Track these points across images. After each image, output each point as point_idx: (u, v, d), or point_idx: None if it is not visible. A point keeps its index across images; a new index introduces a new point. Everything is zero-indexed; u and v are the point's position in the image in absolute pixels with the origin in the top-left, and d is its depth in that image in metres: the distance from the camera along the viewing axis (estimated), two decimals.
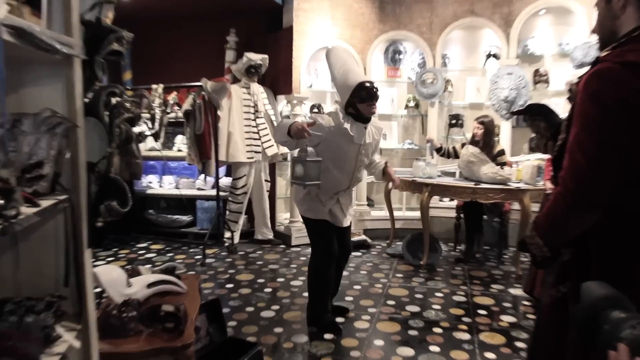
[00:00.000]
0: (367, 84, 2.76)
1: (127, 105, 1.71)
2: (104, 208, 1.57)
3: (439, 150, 4.65)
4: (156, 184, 5.61)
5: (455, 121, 5.53)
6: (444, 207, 5.38)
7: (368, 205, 5.59)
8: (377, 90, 2.78)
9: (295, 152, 2.68)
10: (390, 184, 2.95)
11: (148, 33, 5.18)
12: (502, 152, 4.42)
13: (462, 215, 4.82)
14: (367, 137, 2.85)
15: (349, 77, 2.78)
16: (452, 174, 4.79)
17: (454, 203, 5.02)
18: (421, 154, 5.40)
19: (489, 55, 5.41)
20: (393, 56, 5.72)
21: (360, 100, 2.76)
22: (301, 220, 3.09)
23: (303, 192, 2.88)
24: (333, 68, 2.86)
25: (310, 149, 2.59)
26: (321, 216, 2.90)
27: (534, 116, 2.52)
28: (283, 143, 2.64)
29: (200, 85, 4.66)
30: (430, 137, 4.75)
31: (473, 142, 4.49)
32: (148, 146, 5.37)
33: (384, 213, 5.34)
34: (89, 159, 1.46)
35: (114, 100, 1.64)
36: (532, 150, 3.28)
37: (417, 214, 4.64)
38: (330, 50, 2.93)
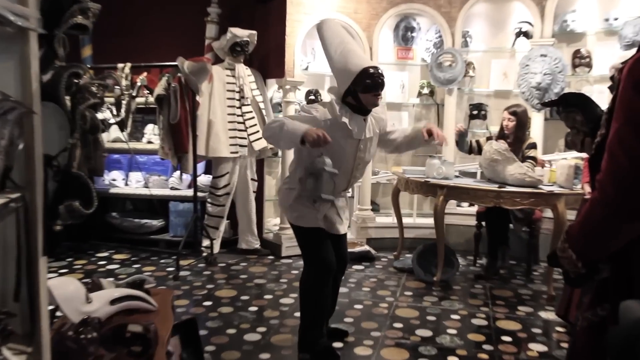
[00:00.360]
0: (372, 70, 2.77)
1: (93, 88, 1.74)
2: (64, 209, 1.59)
3: (460, 142, 4.60)
4: (121, 182, 5.61)
5: (477, 112, 5.56)
6: (462, 214, 5.42)
7: (372, 210, 5.63)
8: (384, 77, 2.81)
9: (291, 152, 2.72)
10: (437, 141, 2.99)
11: (112, 0, 5.16)
12: (532, 145, 4.44)
13: (483, 223, 4.85)
14: (367, 131, 2.88)
15: (351, 61, 2.79)
16: (473, 175, 4.86)
17: (474, 209, 5.05)
18: (435, 150, 5.42)
19: (519, 34, 5.46)
20: (404, 34, 5.75)
21: (363, 90, 2.77)
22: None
23: (293, 196, 2.90)
24: (328, 46, 2.86)
25: (327, 159, 2.67)
26: (315, 223, 2.92)
27: (569, 108, 2.54)
28: (277, 143, 2.68)
29: (176, 66, 4.66)
30: (461, 127, 4.62)
31: (501, 136, 4.53)
32: (112, 136, 5.36)
33: (391, 220, 5.37)
34: (47, 151, 1.47)
35: (77, 82, 1.65)
36: (569, 147, 3.29)
37: (430, 221, 4.65)
38: (324, 23, 2.92)
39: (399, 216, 5.13)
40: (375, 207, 5.77)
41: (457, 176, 4.70)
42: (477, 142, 4.68)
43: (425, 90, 5.69)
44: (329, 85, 5.57)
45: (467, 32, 5.63)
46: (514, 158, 4.22)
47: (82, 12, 1.61)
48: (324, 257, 2.91)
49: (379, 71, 2.80)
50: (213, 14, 5.49)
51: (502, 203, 4.15)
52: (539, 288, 4.46)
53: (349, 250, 5.12)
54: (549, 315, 3.86)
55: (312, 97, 5.47)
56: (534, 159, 4.38)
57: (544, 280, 4.53)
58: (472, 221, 5.00)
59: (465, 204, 5.41)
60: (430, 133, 2.98)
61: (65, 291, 1.91)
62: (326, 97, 5.47)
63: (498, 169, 4.28)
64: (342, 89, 2.83)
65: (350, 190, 3.09)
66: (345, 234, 3.14)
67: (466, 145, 4.61)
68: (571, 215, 4.04)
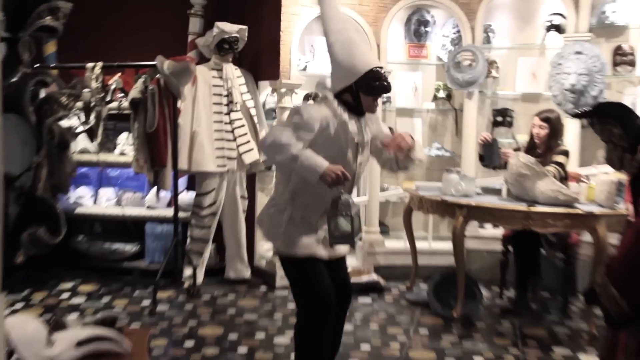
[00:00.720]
0: (380, 71, 2.84)
1: (63, 99, 1.77)
2: (27, 237, 1.57)
3: (487, 155, 4.55)
4: (89, 200, 5.59)
5: (502, 118, 5.57)
6: (486, 237, 5.38)
7: (381, 233, 5.61)
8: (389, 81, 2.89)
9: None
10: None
11: None
12: (562, 152, 4.46)
13: (510, 248, 4.82)
14: (365, 132, 2.93)
15: (358, 57, 2.84)
16: (497, 192, 4.86)
17: (500, 232, 5.03)
18: (454, 163, 5.37)
19: (549, 27, 5.45)
20: (417, 29, 5.75)
21: (367, 91, 2.83)
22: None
23: (285, 220, 2.87)
24: (329, 30, 2.90)
25: (350, 198, 2.76)
26: (313, 250, 2.87)
27: (605, 119, 2.54)
28: (284, 172, 2.76)
29: (154, 66, 4.68)
30: (487, 136, 4.56)
31: (531, 147, 4.55)
32: (79, 147, 5.33)
33: (403, 244, 5.34)
34: (8, 169, 1.44)
35: (44, 92, 1.66)
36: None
37: (449, 245, 4.63)
38: (322, 3, 2.95)
39: (411, 240, 5.10)
40: (384, 230, 5.75)
41: (478, 193, 4.69)
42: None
43: (442, 94, 5.69)
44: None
45: (490, 26, 5.62)
46: (545, 172, 4.21)
47: (51, 13, 1.65)
48: (324, 294, 2.85)
49: (385, 72, 2.87)
50: (197, 5, 5.50)
51: (532, 225, 4.14)
52: (578, 326, 4.42)
53: (354, 280, 5.07)
54: (589, 359, 3.83)
55: (311, 102, 5.41)
56: (561, 165, 4.38)
57: (583, 317, 4.49)
58: (498, 246, 4.98)
59: (488, 226, 5.37)
60: (387, 145, 2.94)
61: (23, 332, 1.93)
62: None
63: (527, 185, 4.27)
64: (339, 85, 2.86)
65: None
66: (344, 258, 3.11)
67: (497, 159, 4.51)
68: (614, 239, 3.98)
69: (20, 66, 1.45)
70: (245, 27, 5.13)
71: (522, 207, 4.17)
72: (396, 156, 2.97)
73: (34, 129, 1.48)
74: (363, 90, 2.82)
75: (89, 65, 4.80)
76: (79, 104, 4.70)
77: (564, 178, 4.41)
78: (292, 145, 2.64)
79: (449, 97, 5.72)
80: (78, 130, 4.78)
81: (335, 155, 2.78)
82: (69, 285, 5.08)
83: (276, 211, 2.93)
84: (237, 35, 5.10)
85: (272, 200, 3.04)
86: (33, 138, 1.51)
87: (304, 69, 5.45)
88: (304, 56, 5.51)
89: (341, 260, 3.08)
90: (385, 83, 2.84)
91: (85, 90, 4.70)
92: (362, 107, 2.86)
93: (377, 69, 2.83)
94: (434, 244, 5.58)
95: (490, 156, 4.54)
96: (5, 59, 1.33)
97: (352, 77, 2.81)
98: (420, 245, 5.27)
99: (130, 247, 5.45)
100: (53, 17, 1.44)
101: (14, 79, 1.41)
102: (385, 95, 5.19)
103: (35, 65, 4.27)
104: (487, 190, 5.03)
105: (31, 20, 1.46)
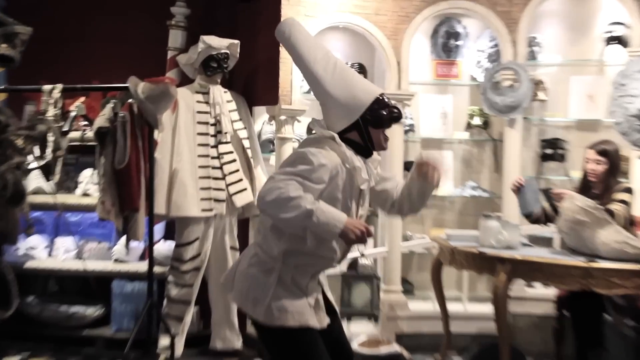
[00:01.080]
0: (384, 98, 2.90)
1: (19, 142, 1.81)
2: None
3: (521, 202, 4.57)
4: (43, 251, 5.56)
5: (552, 150, 5.55)
6: (535, 299, 5.33)
7: (404, 292, 5.56)
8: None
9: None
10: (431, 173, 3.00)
11: None
12: (626, 189, 4.43)
13: (566, 313, 4.77)
14: (371, 178, 2.98)
15: (358, 86, 2.91)
16: (548, 242, 4.75)
17: (553, 292, 4.95)
18: (493, 206, 5.37)
19: (609, 40, 5.44)
20: (446, 42, 5.75)
21: (377, 124, 2.88)
22: None
23: (271, 281, 2.83)
24: (311, 61, 2.92)
25: (366, 260, 2.84)
26: (306, 317, 2.84)
27: None
28: (295, 229, 2.70)
29: (126, 88, 4.65)
30: (518, 180, 4.57)
31: (584, 186, 4.54)
32: (32, 186, 5.31)
33: (431, 306, 5.30)
34: None
35: None
36: None
37: (488, 308, 4.58)
38: (292, 25, 2.97)
39: (442, 301, 5.00)
40: (408, 288, 5.71)
41: (525, 244, 4.62)
42: (551, 201, 4.56)
43: (477, 121, 5.69)
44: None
45: (535, 39, 5.62)
46: (608, 219, 4.13)
47: (7, 39, 1.87)
48: None
49: (389, 98, 2.96)
50: (179, 15, 5.54)
51: (593, 285, 4.01)
52: None
53: (370, 352, 4.79)
54: None
55: (315, 133, 5.41)
56: (625, 203, 4.32)
57: None
58: (550, 310, 4.93)
59: (538, 285, 5.30)
60: (423, 168, 3.02)
61: None
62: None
63: (585, 235, 4.19)
64: (341, 124, 2.89)
65: None
66: (337, 315, 3.09)
67: (532, 204, 4.52)
68: None
69: None
70: (237, 41, 5.11)
71: (579, 262, 4.06)
72: (417, 187, 3.04)
73: None
74: (372, 124, 2.86)
75: (46, 87, 4.76)
76: (32, 134, 4.66)
77: (631, 224, 4.37)
78: (302, 198, 2.62)
79: (485, 125, 5.71)
80: (31, 166, 4.67)
81: (342, 207, 2.81)
82: (15, 358, 5.00)
83: (260, 271, 2.87)
84: (227, 51, 5.08)
85: (252, 256, 2.95)
86: None
87: (309, 91, 5.35)
88: None
89: (336, 323, 3.06)
90: (395, 110, 2.90)
91: (40, 117, 4.66)
92: (373, 144, 2.91)
93: (384, 95, 2.91)
94: (470, 307, 5.55)
95: (523, 203, 4.57)
96: None
97: (357, 112, 2.85)
98: (452, 307, 5.22)
99: (92, 311, 5.38)
100: (9, 45, 1.49)
101: None
102: (406, 123, 5.16)
103: None
104: (536, 240, 4.93)
105: None
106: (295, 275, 2.85)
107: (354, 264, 2.77)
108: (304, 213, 2.59)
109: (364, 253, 2.81)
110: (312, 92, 5.22)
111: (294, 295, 2.83)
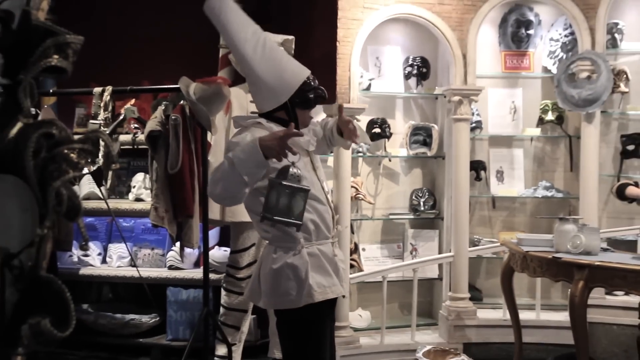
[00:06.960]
0: (311, 81, 3.03)
1: (73, 156, 1.82)
2: (29, 330, 1.66)
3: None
4: (96, 258, 5.62)
5: (635, 147, 5.44)
6: (616, 307, 5.25)
7: (472, 299, 5.52)
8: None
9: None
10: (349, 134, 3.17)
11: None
12: None
13: None
14: (312, 137, 3.16)
15: (287, 70, 3.03)
16: (631, 245, 4.75)
17: (636, 300, 4.76)
18: (569, 207, 5.36)
19: None
20: (516, 32, 5.70)
21: (304, 106, 3.03)
22: None
23: (303, 259, 2.93)
24: (239, 41, 2.99)
25: (298, 171, 2.86)
26: (334, 290, 3.00)
27: None
28: (238, 190, 2.78)
29: (178, 89, 4.66)
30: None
31: None
32: (84, 192, 5.41)
33: (501, 315, 5.33)
34: (5, 244, 1.62)
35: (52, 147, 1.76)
36: None
37: (564, 317, 4.58)
38: (222, 0, 3.02)
39: (513, 310, 4.87)
40: (476, 295, 5.65)
41: (605, 249, 4.46)
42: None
43: (550, 116, 5.63)
44: (402, 109, 5.73)
45: (616, 25, 5.52)
46: None
47: (59, 50, 1.75)
48: None
49: (315, 79, 3.09)
50: None
51: None
52: None
53: None
54: None
55: (378, 131, 5.44)
56: None
57: None
58: (634, 319, 4.81)
59: (620, 293, 5.17)
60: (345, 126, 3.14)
61: None
62: (399, 127, 5.65)
63: None
64: (269, 105, 3.02)
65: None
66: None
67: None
68: None
69: (19, 116, 1.65)
70: (291, 37, 5.06)
71: None
72: (336, 140, 3.21)
73: (36, 193, 1.47)
74: (299, 105, 3.02)
75: (97, 90, 4.86)
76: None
77: None
78: (221, 163, 2.81)
79: (560, 120, 5.64)
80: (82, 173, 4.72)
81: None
82: None
83: (287, 261, 2.96)
84: (282, 47, 4.93)
85: (274, 252, 3.01)
86: (35, 205, 1.67)
87: (368, 88, 5.43)
88: (368, 72, 5.52)
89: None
90: (320, 91, 3.05)
91: (92, 121, 4.82)
92: (298, 124, 3.02)
93: (308, 78, 3.04)
94: (544, 315, 5.48)
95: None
96: (1, 107, 1.68)
97: (285, 95, 3.00)
98: (525, 316, 5.15)
99: (147, 319, 5.43)
100: (61, 56, 1.50)
101: (13, 132, 1.41)
102: (473, 120, 5.10)
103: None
104: (617, 244, 4.89)
105: (34, 60, 1.49)
106: (321, 247, 2.99)
107: (286, 169, 2.85)
108: (226, 166, 2.72)
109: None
110: (371, 89, 5.42)
111: (323, 271, 2.97)
